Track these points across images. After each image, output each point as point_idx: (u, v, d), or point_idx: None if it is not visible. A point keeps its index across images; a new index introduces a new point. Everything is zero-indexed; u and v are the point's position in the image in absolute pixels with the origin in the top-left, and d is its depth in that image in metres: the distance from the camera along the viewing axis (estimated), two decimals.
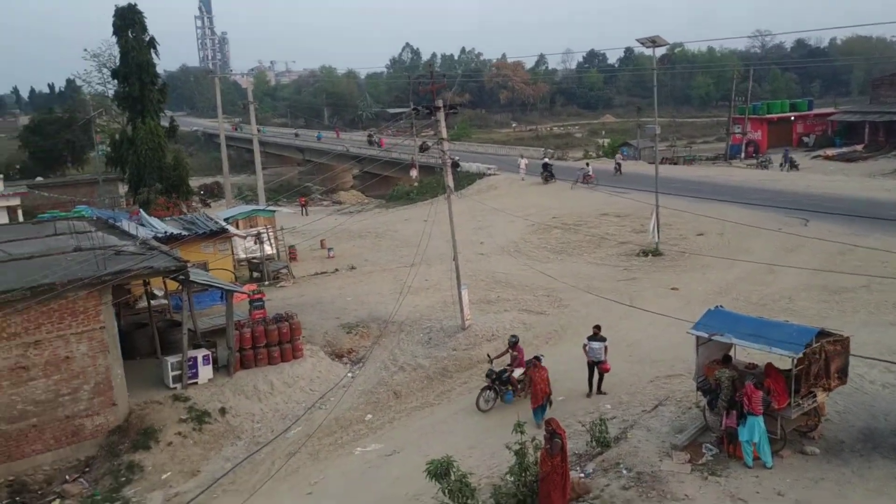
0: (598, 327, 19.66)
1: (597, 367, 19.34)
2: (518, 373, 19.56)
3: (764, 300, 25.27)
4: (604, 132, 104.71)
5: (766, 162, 60.80)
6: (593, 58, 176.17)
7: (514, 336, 20.67)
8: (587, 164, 52.98)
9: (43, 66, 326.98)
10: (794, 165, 57.29)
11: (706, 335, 15.64)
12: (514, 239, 38.48)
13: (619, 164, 56.73)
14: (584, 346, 19.46)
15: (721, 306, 17.42)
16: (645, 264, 31.92)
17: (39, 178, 67.37)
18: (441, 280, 29.87)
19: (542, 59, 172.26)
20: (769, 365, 15.17)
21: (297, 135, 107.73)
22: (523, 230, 40.01)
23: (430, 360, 23.66)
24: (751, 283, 27.52)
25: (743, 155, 67.97)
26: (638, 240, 35.10)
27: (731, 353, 16.17)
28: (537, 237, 38.69)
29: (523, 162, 57.97)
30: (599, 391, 19.42)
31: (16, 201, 48.32)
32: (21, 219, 46.03)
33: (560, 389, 18.07)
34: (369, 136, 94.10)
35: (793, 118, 75.99)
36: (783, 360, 14.80)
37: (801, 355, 14.12)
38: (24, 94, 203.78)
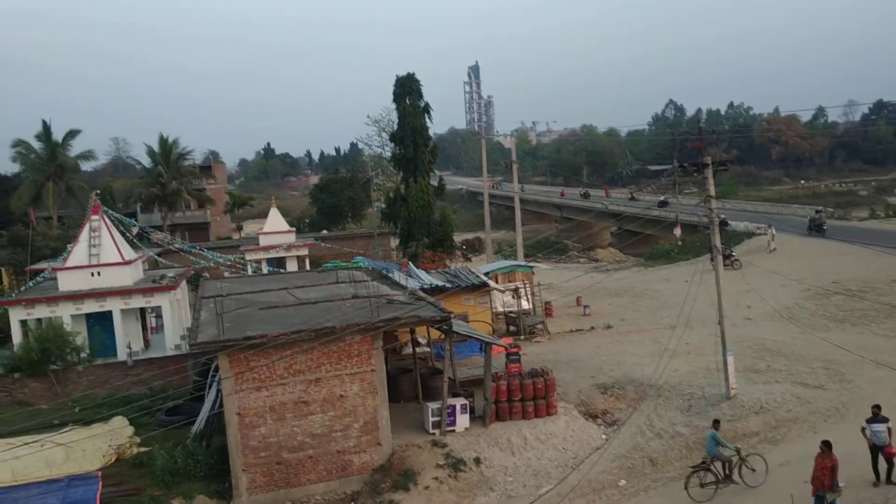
0: (877, 407, 17.53)
1: (881, 451, 17.09)
2: None
3: None
4: None
5: None
6: (881, 108, 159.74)
7: None
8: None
9: (333, 132, 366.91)
10: None
11: None
12: (787, 304, 35.46)
13: None
14: (863, 428, 17.36)
15: None
16: None
17: (324, 231, 74.81)
18: (703, 344, 28.28)
19: (820, 112, 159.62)
20: None
21: (586, 194, 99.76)
22: (797, 295, 36.77)
23: (690, 428, 22.35)
24: None
25: None
26: None
27: None
28: (814, 303, 35.34)
29: (771, 232, 52.37)
30: (889, 481, 17.06)
31: (304, 251, 54.17)
32: (308, 267, 51.36)
33: (841, 475, 16.11)
34: (632, 195, 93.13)
35: None
36: None
37: None
38: (315, 156, 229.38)
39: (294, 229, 58.82)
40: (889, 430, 17.06)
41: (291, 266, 52.34)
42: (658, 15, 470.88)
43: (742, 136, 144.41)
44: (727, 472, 18.25)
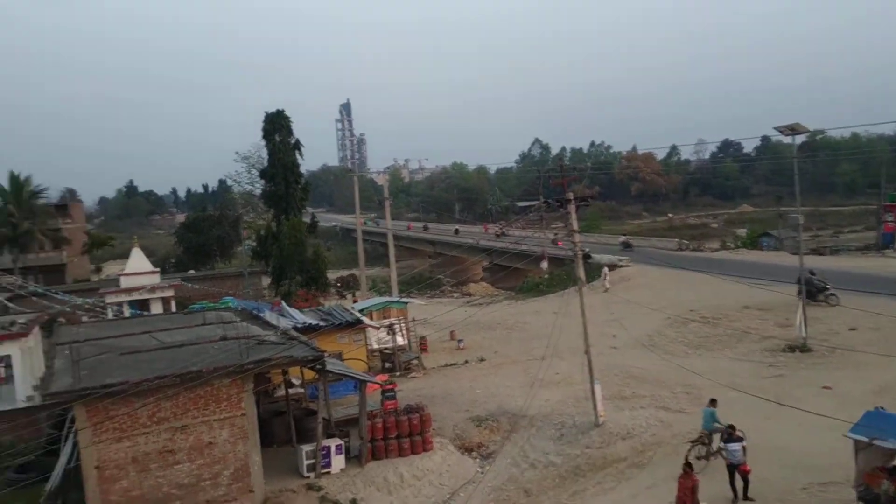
0: (732, 427, 18.58)
1: (737, 469, 18.15)
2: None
3: None
4: (748, 226, 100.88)
5: None
6: (728, 147, 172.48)
7: None
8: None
9: (199, 169, 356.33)
10: None
11: (866, 439, 14.35)
12: (649, 332, 37.24)
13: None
14: (720, 449, 18.42)
15: (882, 408, 16.01)
16: (792, 361, 29.98)
17: (191, 271, 72.09)
18: (572, 374, 29.18)
19: (674, 150, 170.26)
20: None
21: (426, 227, 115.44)
22: (658, 323, 38.70)
23: (563, 457, 22.90)
24: None
25: None
26: (783, 334, 33.12)
27: None
28: (674, 331, 37.29)
29: (604, 271, 54.50)
30: (746, 497, 18.06)
31: (170, 293, 51.70)
32: (174, 309, 49.15)
33: (703, 494, 16.96)
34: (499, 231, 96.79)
35: None
36: None
37: None
38: (182, 194, 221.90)
39: (158, 270, 56.30)
40: (744, 448, 18.11)
41: (156, 308, 49.88)
42: (526, 60, 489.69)
43: (603, 172, 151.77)
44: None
